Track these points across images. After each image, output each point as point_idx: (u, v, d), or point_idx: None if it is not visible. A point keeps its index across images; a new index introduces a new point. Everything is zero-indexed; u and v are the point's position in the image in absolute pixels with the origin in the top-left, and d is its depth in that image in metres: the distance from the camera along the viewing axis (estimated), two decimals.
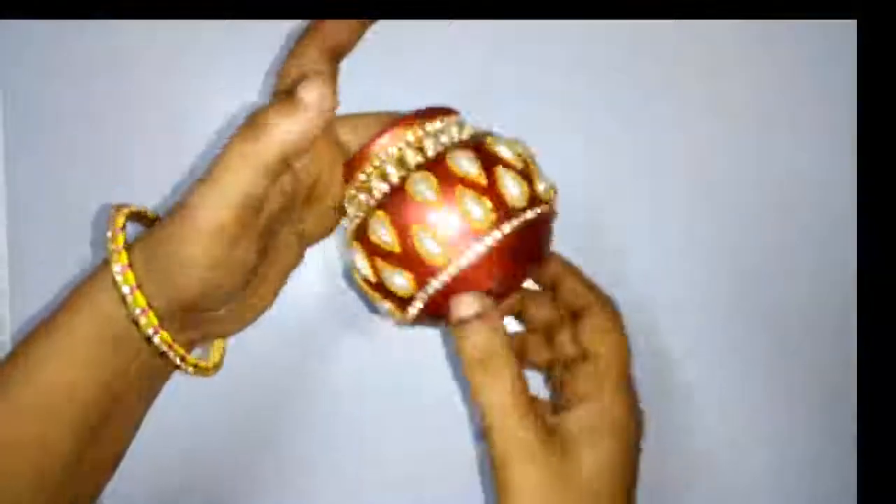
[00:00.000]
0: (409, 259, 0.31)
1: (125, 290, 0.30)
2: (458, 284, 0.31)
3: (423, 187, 0.31)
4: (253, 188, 0.30)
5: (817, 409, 0.45)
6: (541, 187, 0.33)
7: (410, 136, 0.32)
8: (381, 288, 0.33)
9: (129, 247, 0.31)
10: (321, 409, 0.45)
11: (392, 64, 0.43)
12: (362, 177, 0.33)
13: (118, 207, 0.33)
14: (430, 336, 0.45)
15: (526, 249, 0.32)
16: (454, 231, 0.31)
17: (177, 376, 0.35)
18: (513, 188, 0.31)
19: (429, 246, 0.31)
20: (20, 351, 0.32)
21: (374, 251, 0.32)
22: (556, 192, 0.34)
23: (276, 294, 0.36)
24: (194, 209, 0.30)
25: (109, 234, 0.32)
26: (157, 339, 0.31)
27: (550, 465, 0.31)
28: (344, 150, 0.34)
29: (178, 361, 0.32)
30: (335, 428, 0.45)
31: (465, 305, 0.32)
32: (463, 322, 0.31)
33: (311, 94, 0.30)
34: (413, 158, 0.32)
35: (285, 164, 0.31)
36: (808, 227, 0.45)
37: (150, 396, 0.35)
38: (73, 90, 0.45)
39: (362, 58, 0.40)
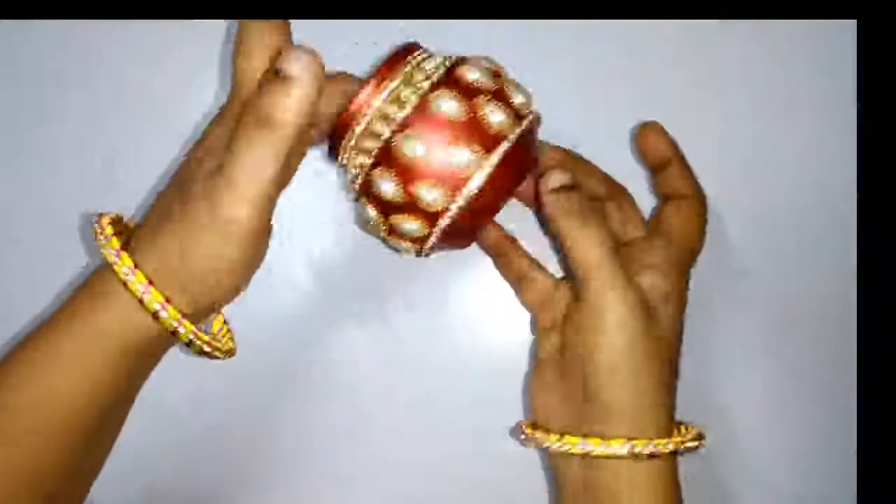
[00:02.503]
0: (413, 206, 0.34)
1: (140, 288, 0.30)
2: (463, 218, 0.34)
3: (413, 145, 0.33)
4: (275, 183, 0.30)
5: (818, 403, 0.45)
6: (517, 100, 0.35)
7: (386, 90, 0.34)
8: (394, 232, 0.35)
9: (126, 248, 0.31)
10: (313, 405, 0.45)
11: None
12: (352, 141, 0.34)
13: (101, 216, 0.33)
14: (424, 330, 0.45)
15: (519, 165, 0.34)
16: (448, 174, 0.33)
17: (162, 375, 0.35)
18: (494, 116, 0.33)
19: (427, 195, 0.33)
20: (16, 357, 0.32)
21: (382, 205, 0.34)
22: (531, 100, 0.36)
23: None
24: (220, 207, 0.30)
25: (102, 240, 0.31)
26: (182, 330, 0.31)
27: (638, 316, 0.34)
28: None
29: (205, 348, 0.33)
30: (328, 424, 0.45)
31: (554, 180, 0.36)
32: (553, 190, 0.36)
33: (297, 65, 0.30)
34: (396, 112, 0.33)
35: (300, 144, 0.31)
36: (808, 225, 0.44)
37: (142, 385, 0.35)
38: (55, 91, 0.44)
39: (362, 57, 0.40)
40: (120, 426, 0.35)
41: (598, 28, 0.44)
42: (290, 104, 0.30)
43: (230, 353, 0.35)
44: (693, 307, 0.39)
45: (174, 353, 0.36)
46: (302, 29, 0.36)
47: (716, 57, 0.44)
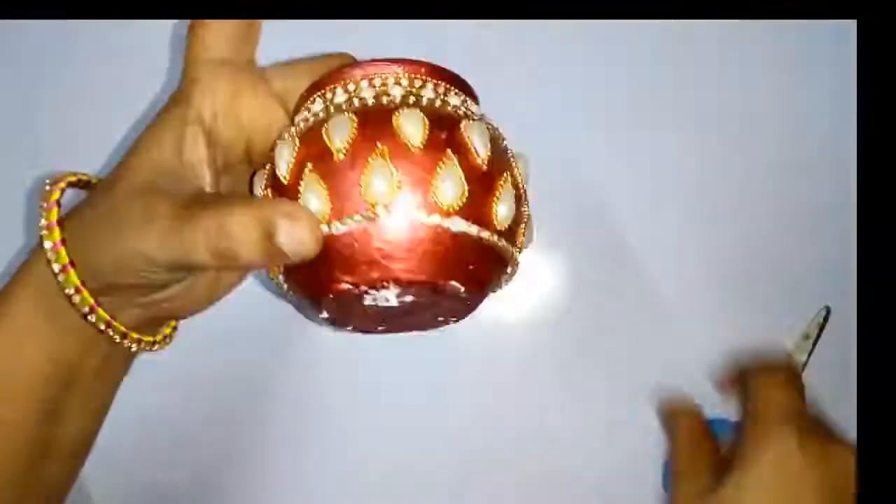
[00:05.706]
0: (343, 183, 0.25)
1: (56, 268, 0.29)
2: (347, 244, 0.26)
3: (340, 132, 0.25)
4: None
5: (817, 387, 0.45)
6: (500, 210, 0.26)
7: (404, 79, 0.27)
8: (290, 193, 0.26)
9: (62, 221, 0.30)
10: (305, 401, 0.45)
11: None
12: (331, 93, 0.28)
13: (55, 180, 0.31)
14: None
15: (448, 260, 0.25)
16: (349, 187, 0.25)
17: (159, 376, 0.34)
18: (449, 183, 0.25)
19: (311, 195, 0.25)
20: None
21: (313, 152, 0.26)
22: (523, 234, 0.28)
23: (240, 277, 0.34)
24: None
25: (43, 206, 0.30)
26: (93, 318, 0.30)
27: None
28: (281, 101, 0.31)
29: (118, 339, 0.31)
30: (314, 427, 0.45)
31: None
32: None
33: (286, 239, 0.26)
34: (365, 95, 0.27)
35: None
36: (808, 225, 0.45)
37: (112, 376, 0.34)
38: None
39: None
40: (96, 401, 0.33)
41: (598, 28, 0.44)
42: (251, 259, 0.26)
43: (151, 343, 0.32)
44: (693, 307, 0.39)
45: (166, 352, 0.36)
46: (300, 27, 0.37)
47: (716, 57, 0.44)
